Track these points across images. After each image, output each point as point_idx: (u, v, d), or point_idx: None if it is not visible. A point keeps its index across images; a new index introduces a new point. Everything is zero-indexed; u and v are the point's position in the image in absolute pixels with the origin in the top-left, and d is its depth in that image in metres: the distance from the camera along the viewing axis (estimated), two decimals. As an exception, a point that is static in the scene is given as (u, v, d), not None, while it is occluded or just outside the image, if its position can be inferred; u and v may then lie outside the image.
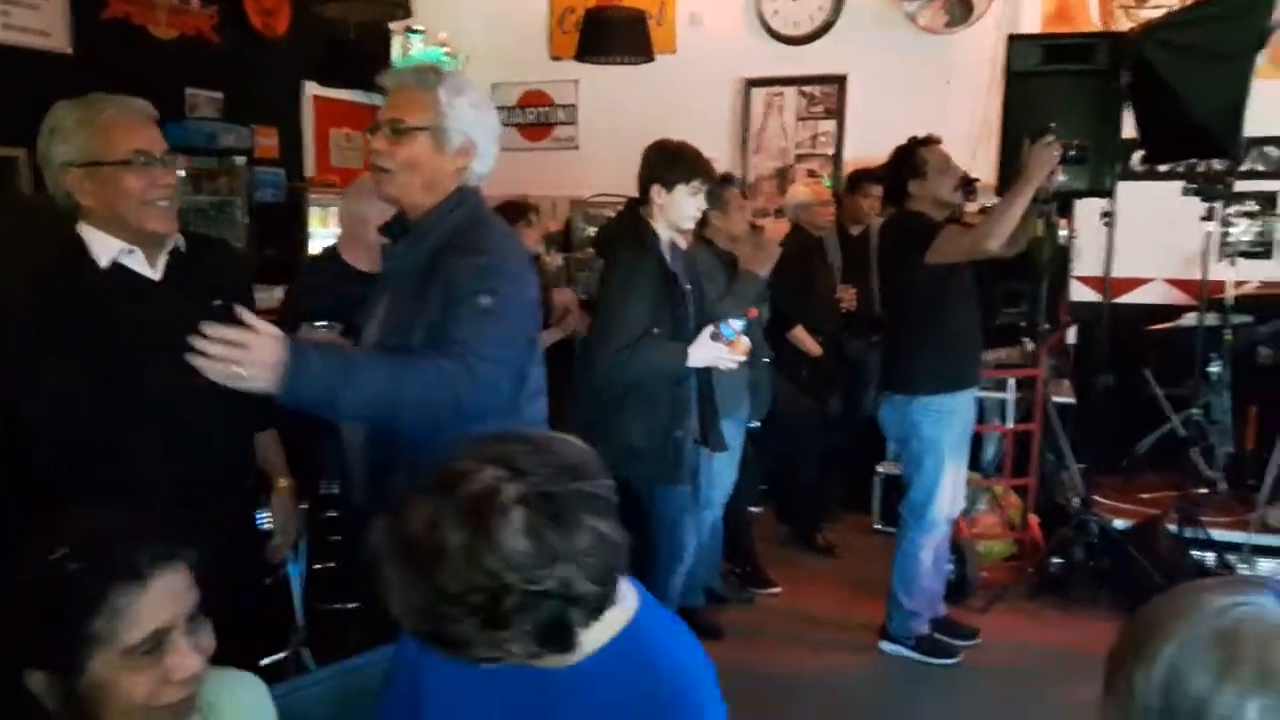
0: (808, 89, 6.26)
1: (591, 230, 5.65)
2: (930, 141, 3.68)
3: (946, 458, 3.58)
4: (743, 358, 3.08)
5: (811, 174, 6.25)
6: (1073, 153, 3.45)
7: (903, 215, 3.71)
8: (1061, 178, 3.51)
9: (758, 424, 4.20)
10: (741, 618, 4.14)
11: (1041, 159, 3.34)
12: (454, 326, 1.85)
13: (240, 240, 5.48)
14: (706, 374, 3.17)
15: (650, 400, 3.01)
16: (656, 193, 3.02)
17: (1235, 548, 4.20)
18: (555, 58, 6.71)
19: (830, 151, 6.28)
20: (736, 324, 3.03)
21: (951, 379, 3.58)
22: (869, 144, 6.03)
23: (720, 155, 6.14)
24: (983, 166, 5.14)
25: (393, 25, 6.48)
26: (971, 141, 5.45)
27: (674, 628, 1.39)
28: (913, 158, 3.67)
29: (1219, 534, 4.29)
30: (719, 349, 3.02)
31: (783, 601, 4.34)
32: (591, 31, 5.05)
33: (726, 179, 3.86)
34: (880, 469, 5.23)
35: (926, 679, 3.69)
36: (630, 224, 3.08)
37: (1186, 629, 0.77)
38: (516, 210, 4.40)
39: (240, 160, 5.69)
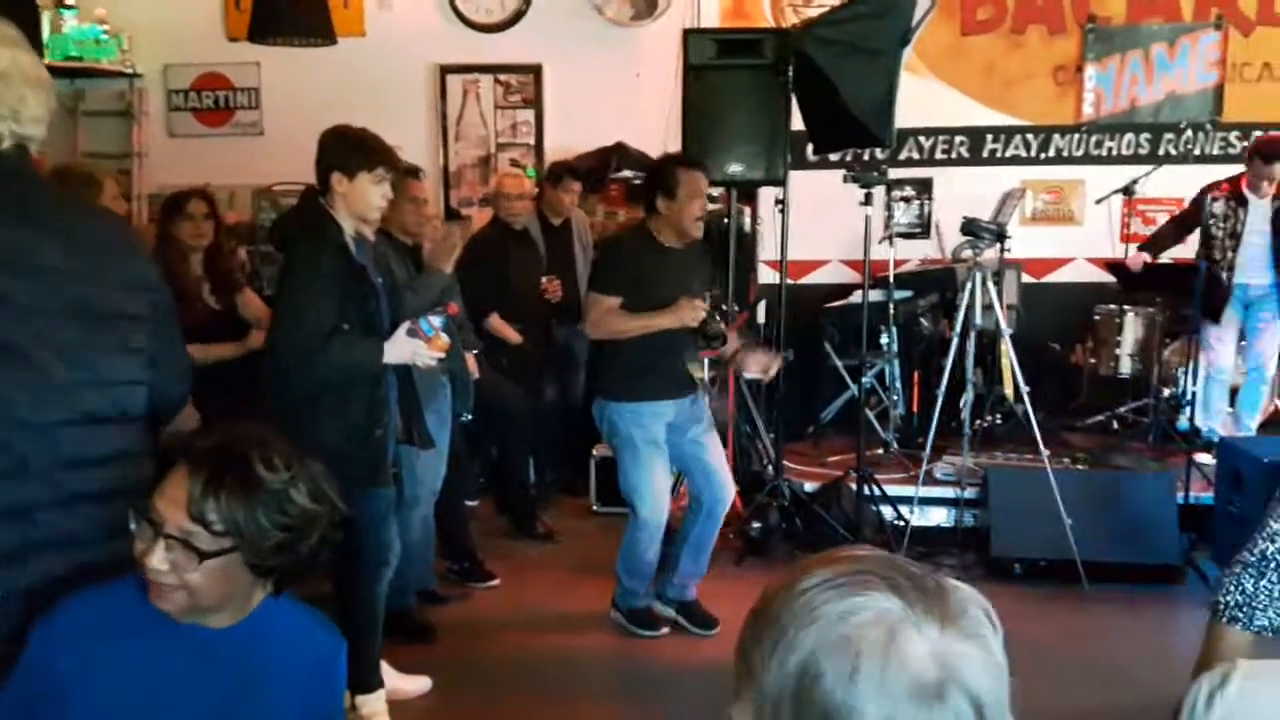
0: (504, 77, 6.25)
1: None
2: (690, 164, 3.66)
3: (644, 455, 3.65)
4: (442, 354, 3.00)
5: (514, 164, 6.24)
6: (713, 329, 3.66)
7: (619, 240, 3.76)
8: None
9: (469, 417, 4.14)
10: (459, 614, 4.07)
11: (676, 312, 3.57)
12: None
13: None
14: (407, 370, 3.07)
15: (345, 400, 2.87)
16: (338, 181, 2.87)
17: (907, 500, 4.64)
18: (232, 38, 6.27)
19: (531, 141, 6.30)
20: (435, 320, 2.95)
21: (647, 390, 3.65)
22: (569, 134, 6.13)
23: (419, 143, 6.01)
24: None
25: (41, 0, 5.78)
26: (664, 133, 5.66)
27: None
28: (667, 175, 3.61)
29: (892, 489, 4.73)
30: (417, 345, 2.92)
31: (502, 593, 4.32)
32: (264, 10, 4.70)
33: (410, 171, 3.74)
34: (596, 452, 5.32)
35: (649, 652, 3.80)
36: (310, 215, 2.90)
37: (813, 636, 0.82)
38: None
39: None
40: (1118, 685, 3.38)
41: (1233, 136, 5.85)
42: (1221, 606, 2.70)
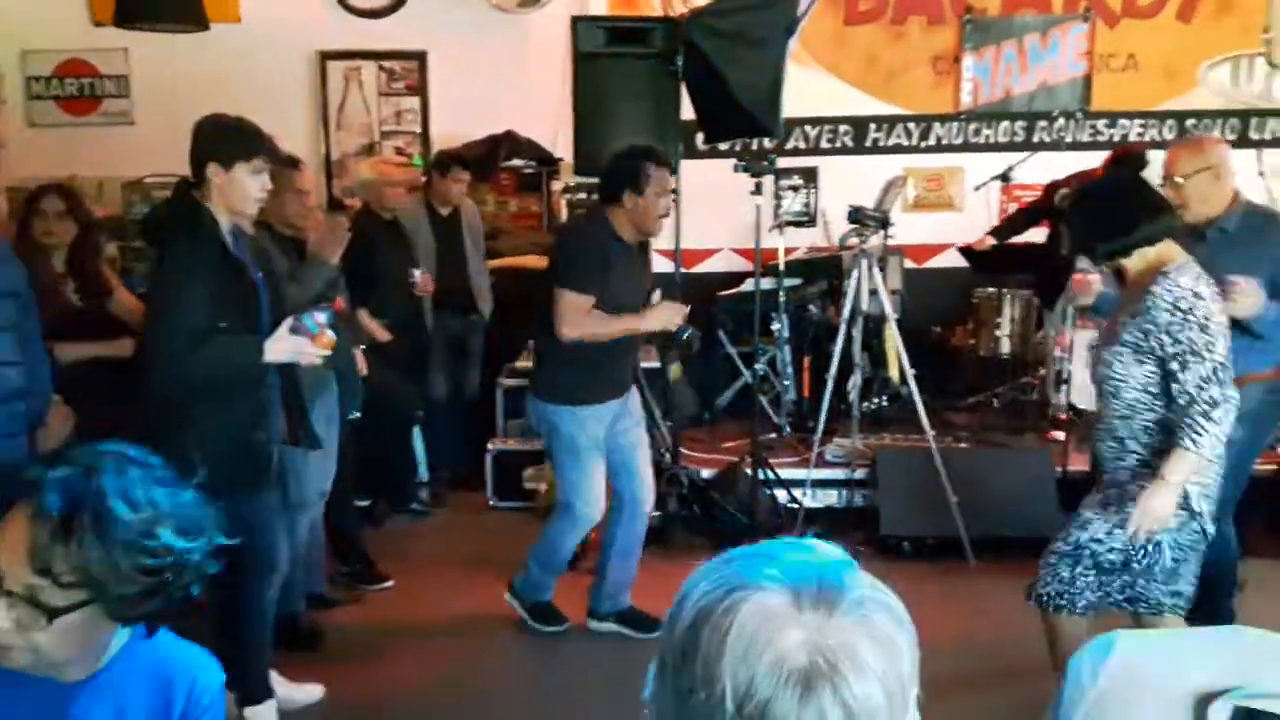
0: (388, 64, 6.10)
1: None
2: (660, 160, 3.46)
3: (584, 456, 3.58)
4: (327, 351, 2.89)
5: (400, 152, 6.11)
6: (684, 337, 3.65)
7: (580, 230, 3.56)
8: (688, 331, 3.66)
9: (358, 414, 4.03)
10: (350, 618, 3.96)
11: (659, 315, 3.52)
12: None
13: None
14: (290, 370, 2.96)
15: (225, 402, 2.75)
16: (214, 172, 2.73)
17: (800, 483, 4.72)
18: (97, 23, 5.95)
19: (417, 129, 6.17)
20: (320, 316, 2.83)
21: (594, 394, 3.55)
22: (456, 121, 6.03)
23: (298, 132, 5.82)
24: (565, 148, 5.32)
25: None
26: (553, 122, 5.62)
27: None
28: (639, 170, 3.39)
29: (786, 472, 4.80)
30: (300, 342, 2.80)
31: (396, 594, 4.22)
32: (128, -6, 4.48)
33: (290, 161, 3.60)
34: (492, 446, 5.26)
35: (546, 647, 3.78)
36: (184, 208, 2.77)
37: (702, 598, 0.81)
38: None
39: None
40: (1004, 655, 3.50)
41: (1101, 125, 6.12)
42: (1044, 598, 2.83)
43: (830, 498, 4.88)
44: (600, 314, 3.38)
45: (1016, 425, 5.49)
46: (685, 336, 3.60)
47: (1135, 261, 2.69)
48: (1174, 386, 2.57)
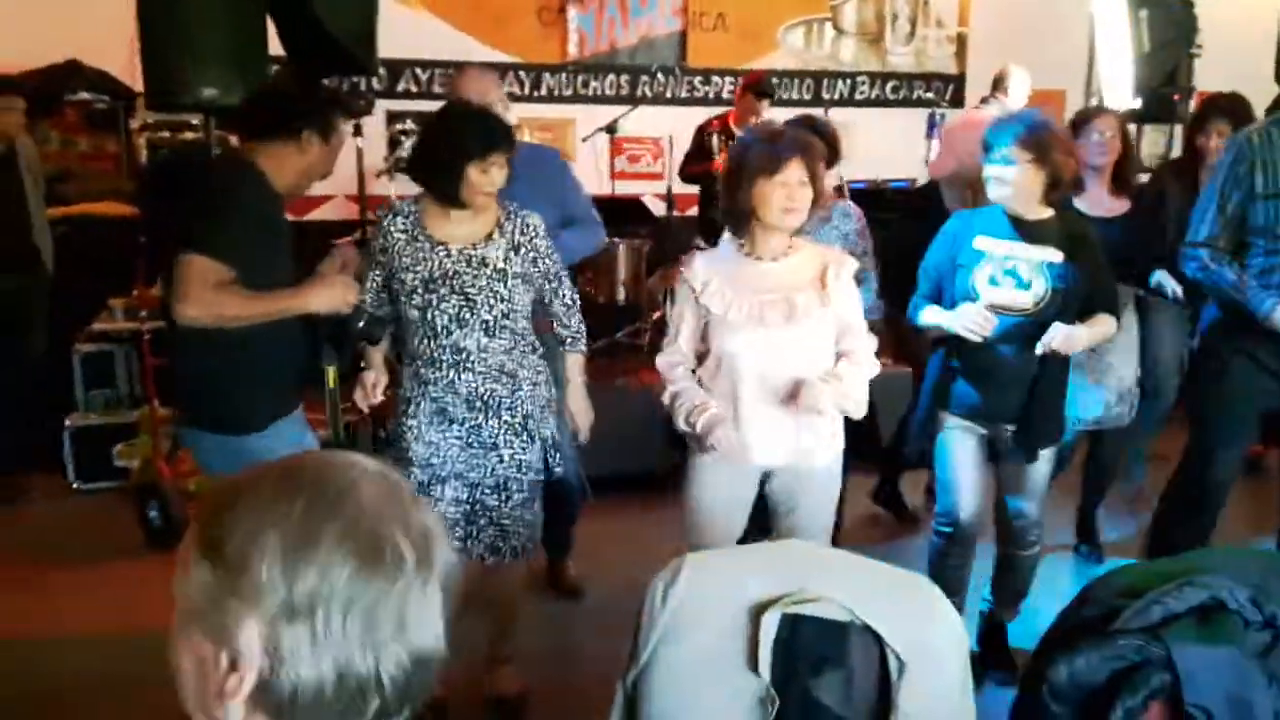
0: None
1: None
2: (358, 109, 2.92)
3: None
4: None
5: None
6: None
7: (227, 178, 2.67)
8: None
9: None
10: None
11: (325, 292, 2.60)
12: None
13: None
14: None
15: None
16: None
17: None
18: None
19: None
20: None
21: (269, 410, 2.96)
22: (6, 46, 5.19)
23: None
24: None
25: None
26: (127, 52, 4.99)
27: None
28: (331, 110, 2.71)
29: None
30: None
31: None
32: None
33: None
34: (70, 422, 4.65)
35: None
36: None
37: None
38: None
39: None
40: (616, 586, 3.67)
41: (697, 81, 6.51)
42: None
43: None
44: (240, 291, 2.47)
45: (633, 366, 5.76)
46: (362, 324, 2.72)
47: None
48: None
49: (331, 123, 2.68)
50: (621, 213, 5.67)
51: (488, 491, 2.74)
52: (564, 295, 2.87)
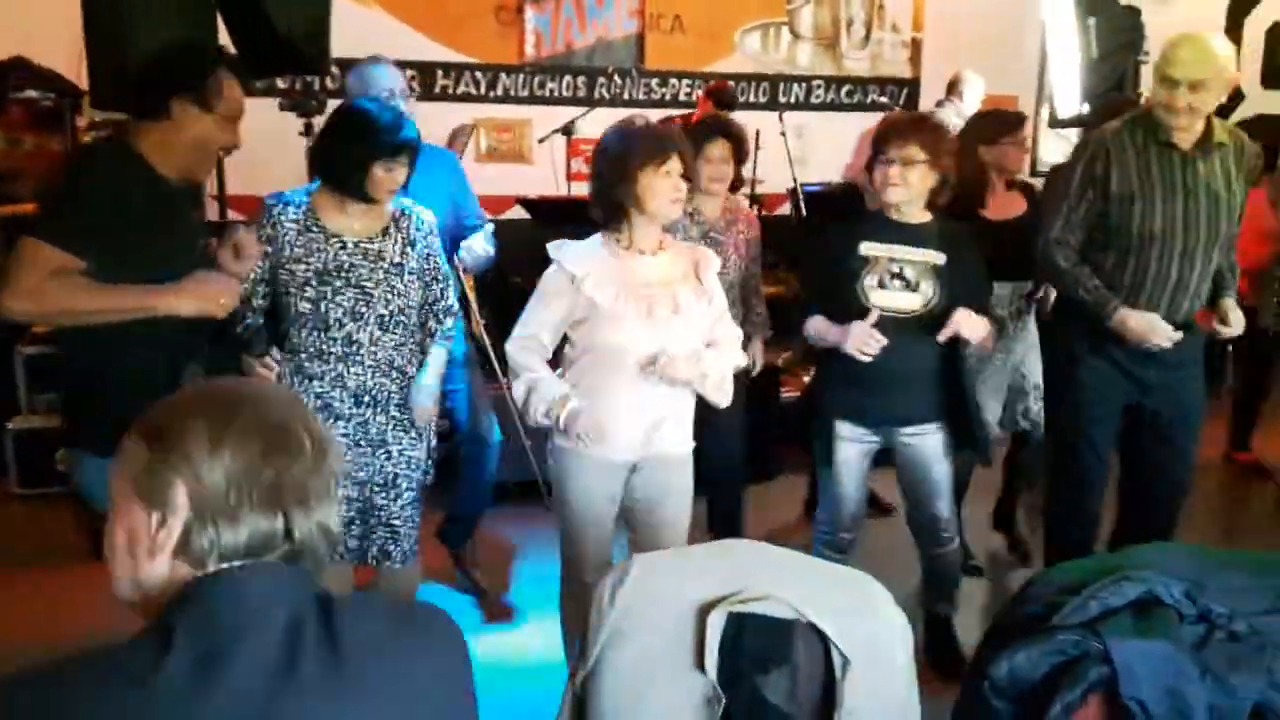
0: None
1: None
2: (235, 69, 2.47)
3: None
4: None
5: None
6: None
7: (88, 159, 2.56)
8: None
9: None
10: None
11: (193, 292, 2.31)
12: None
13: None
14: None
15: None
16: None
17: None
18: None
19: (-108, 49, 5.11)
20: None
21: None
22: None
23: None
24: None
25: None
26: (74, 49, 4.89)
27: None
28: (205, 71, 2.39)
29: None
30: None
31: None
32: None
33: None
34: (11, 425, 4.55)
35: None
36: None
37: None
38: None
39: None
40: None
41: (654, 83, 6.51)
42: None
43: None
44: (83, 281, 2.19)
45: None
46: (247, 327, 2.56)
47: None
48: None
49: (207, 88, 2.33)
50: (577, 214, 5.64)
51: (377, 489, 2.71)
52: (447, 296, 2.86)
